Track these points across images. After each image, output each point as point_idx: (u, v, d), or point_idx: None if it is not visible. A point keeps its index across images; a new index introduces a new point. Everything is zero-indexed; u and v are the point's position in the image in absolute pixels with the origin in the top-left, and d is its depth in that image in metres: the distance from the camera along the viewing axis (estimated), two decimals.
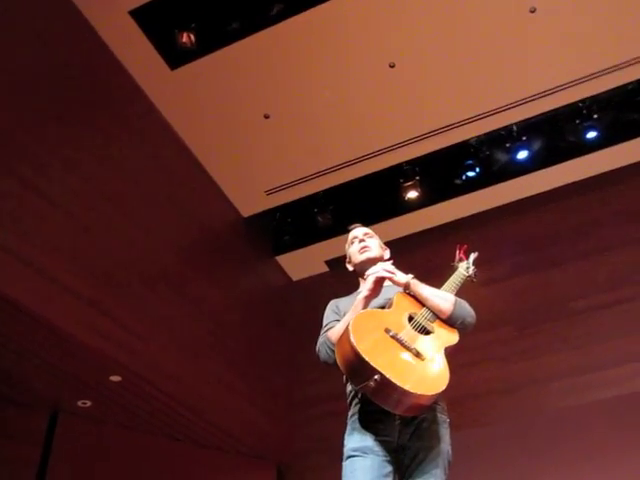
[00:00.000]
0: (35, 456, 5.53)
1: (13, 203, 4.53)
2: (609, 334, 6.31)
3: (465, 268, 3.07)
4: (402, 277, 2.82)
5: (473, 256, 3.17)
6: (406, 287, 2.80)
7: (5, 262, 4.31)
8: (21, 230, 4.53)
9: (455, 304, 2.74)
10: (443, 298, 2.76)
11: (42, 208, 4.78)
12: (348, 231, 3.27)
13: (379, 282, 2.78)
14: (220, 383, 6.36)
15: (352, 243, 3.17)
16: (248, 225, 7.65)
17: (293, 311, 7.93)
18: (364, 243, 3.10)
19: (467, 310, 2.78)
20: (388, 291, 2.85)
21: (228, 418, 6.35)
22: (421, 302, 2.76)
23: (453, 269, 3.07)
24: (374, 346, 2.45)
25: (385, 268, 2.82)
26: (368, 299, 2.76)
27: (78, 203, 5.14)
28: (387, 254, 3.15)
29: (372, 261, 2.99)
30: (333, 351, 2.67)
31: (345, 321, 2.72)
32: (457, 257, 3.15)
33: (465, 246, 3.19)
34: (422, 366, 2.47)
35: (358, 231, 3.21)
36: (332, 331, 2.79)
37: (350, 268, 3.16)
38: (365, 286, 2.79)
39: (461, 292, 2.94)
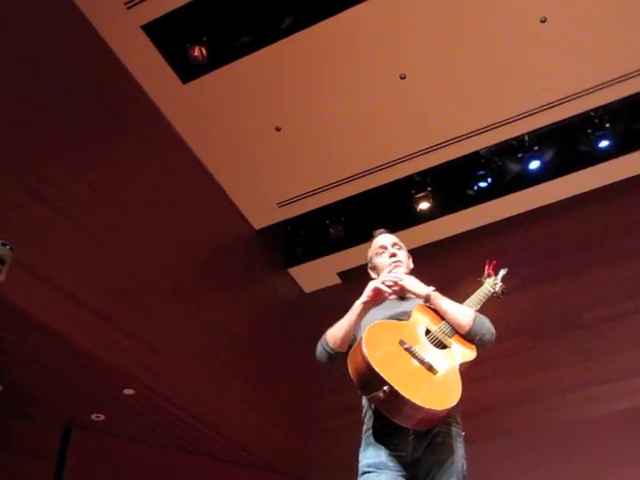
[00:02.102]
0: (49, 470, 5.54)
1: (25, 216, 4.56)
2: (624, 345, 6.26)
3: (492, 284, 2.98)
4: (422, 289, 2.77)
5: (502, 272, 3.07)
6: (426, 299, 2.76)
7: (17, 276, 4.31)
8: (33, 244, 4.55)
9: (475, 320, 2.67)
10: (463, 313, 2.70)
11: (54, 221, 4.81)
12: (368, 238, 3.16)
13: (376, 291, 2.70)
14: (233, 395, 6.35)
15: (380, 253, 3.02)
16: (260, 237, 7.66)
17: (306, 323, 7.90)
18: (396, 258, 2.97)
19: (487, 327, 2.70)
20: (409, 302, 2.83)
21: (242, 431, 6.33)
22: (441, 315, 2.71)
23: (479, 284, 2.99)
24: (386, 357, 2.45)
25: (386, 282, 2.72)
26: (366, 305, 2.70)
27: (90, 216, 5.17)
28: (411, 263, 3.04)
29: None
30: (327, 350, 2.72)
31: (341, 322, 2.72)
32: (485, 273, 3.06)
33: (494, 262, 3.09)
34: (433, 380, 2.45)
35: (386, 239, 3.06)
36: (330, 330, 2.77)
37: (374, 276, 3.01)
38: (365, 292, 2.73)
39: None
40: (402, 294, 2.91)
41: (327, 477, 6.91)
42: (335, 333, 2.73)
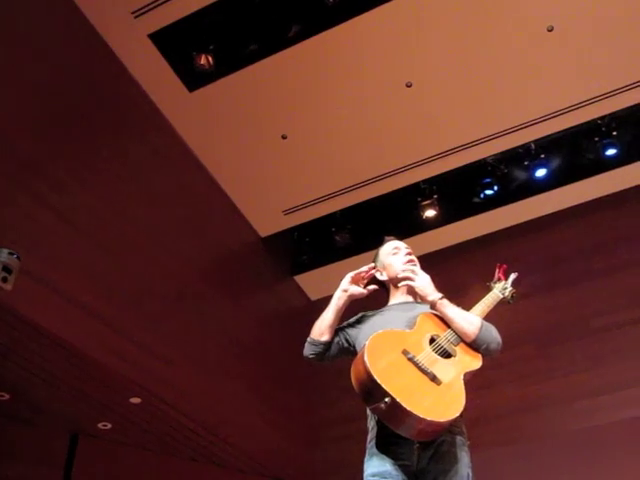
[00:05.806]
0: (56, 478, 5.53)
1: (32, 224, 4.57)
2: (631, 352, 6.23)
3: (501, 289, 2.95)
4: (430, 294, 2.75)
5: (512, 277, 3.03)
6: (432, 306, 2.74)
7: (24, 284, 4.33)
8: (41, 252, 4.55)
9: (481, 328, 2.65)
10: (469, 321, 2.67)
11: (61, 229, 4.81)
12: (374, 246, 3.22)
13: (356, 277, 2.95)
14: (239, 404, 6.33)
15: (394, 254, 3.04)
16: (266, 245, 7.66)
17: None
18: (412, 257, 3.01)
19: (493, 335, 2.68)
20: (423, 306, 2.83)
21: (247, 439, 6.32)
22: (447, 323, 2.70)
23: (488, 289, 2.96)
24: (388, 368, 2.43)
25: (362, 271, 2.92)
26: (345, 293, 2.89)
27: (97, 224, 5.17)
28: None
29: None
30: (310, 342, 2.86)
31: (323, 313, 2.88)
32: (495, 277, 3.02)
33: (504, 266, 3.05)
34: (436, 391, 2.42)
35: (400, 243, 3.11)
36: (314, 326, 2.88)
37: (382, 278, 3.04)
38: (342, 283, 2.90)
39: None
40: (415, 297, 2.94)
41: None
42: (317, 324, 2.86)
